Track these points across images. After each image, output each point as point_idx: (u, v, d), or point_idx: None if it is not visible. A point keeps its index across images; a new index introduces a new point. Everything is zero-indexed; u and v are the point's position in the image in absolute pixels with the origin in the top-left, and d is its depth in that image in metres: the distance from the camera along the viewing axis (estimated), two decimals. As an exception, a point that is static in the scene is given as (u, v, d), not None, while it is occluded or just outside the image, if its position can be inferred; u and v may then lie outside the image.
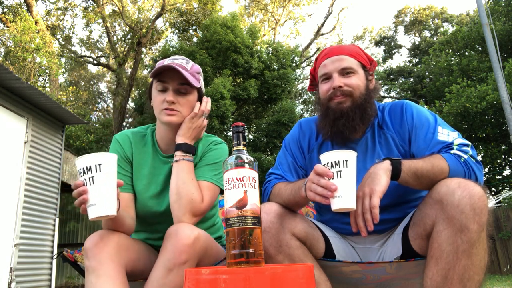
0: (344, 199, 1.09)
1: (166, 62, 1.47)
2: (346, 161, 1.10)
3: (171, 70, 1.45)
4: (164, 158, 1.55)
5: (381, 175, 1.16)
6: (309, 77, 1.65)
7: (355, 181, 1.11)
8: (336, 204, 1.10)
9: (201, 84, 1.56)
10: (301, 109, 21.09)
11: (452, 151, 1.27)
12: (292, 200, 1.32)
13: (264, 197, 1.50)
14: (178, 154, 1.45)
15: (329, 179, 1.11)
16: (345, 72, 1.44)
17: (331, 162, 1.11)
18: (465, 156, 1.25)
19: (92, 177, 1.09)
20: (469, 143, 1.32)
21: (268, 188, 1.49)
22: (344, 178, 1.10)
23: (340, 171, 1.10)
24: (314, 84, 1.61)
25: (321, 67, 1.50)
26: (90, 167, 1.09)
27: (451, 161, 1.23)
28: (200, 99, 1.56)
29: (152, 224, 1.57)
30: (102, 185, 1.09)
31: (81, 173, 1.10)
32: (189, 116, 1.48)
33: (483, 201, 1.10)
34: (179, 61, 1.50)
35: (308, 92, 21.77)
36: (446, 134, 1.35)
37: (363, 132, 1.48)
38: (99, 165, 1.09)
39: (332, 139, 1.49)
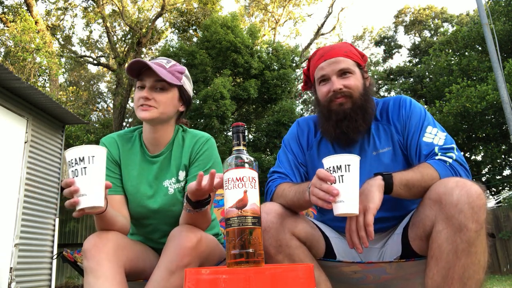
0: (346, 204, 1.09)
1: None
2: (349, 165, 1.10)
3: (148, 68, 1.45)
4: (151, 158, 1.55)
5: (374, 191, 1.18)
6: (303, 77, 1.68)
7: (357, 185, 1.11)
8: (339, 209, 1.10)
9: (184, 83, 1.54)
10: (301, 109, 21.08)
11: (436, 157, 1.30)
12: (296, 202, 1.32)
13: (268, 196, 1.50)
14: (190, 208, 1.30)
15: (332, 184, 1.11)
16: (343, 73, 1.46)
17: (333, 167, 1.11)
18: (450, 161, 1.28)
19: (85, 167, 1.09)
20: (454, 145, 1.34)
21: (271, 187, 1.49)
22: (346, 182, 1.09)
23: (342, 175, 1.09)
24: (309, 84, 1.64)
25: (318, 70, 1.51)
26: (83, 158, 1.09)
27: (439, 167, 1.26)
28: (183, 98, 1.55)
29: (147, 226, 1.57)
30: (94, 176, 1.10)
31: (72, 164, 1.10)
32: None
33: (481, 199, 1.10)
34: (159, 61, 1.50)
35: (308, 92, 21.73)
36: (434, 134, 1.38)
37: (365, 132, 1.50)
38: (92, 156, 1.10)
39: (337, 140, 1.51)
